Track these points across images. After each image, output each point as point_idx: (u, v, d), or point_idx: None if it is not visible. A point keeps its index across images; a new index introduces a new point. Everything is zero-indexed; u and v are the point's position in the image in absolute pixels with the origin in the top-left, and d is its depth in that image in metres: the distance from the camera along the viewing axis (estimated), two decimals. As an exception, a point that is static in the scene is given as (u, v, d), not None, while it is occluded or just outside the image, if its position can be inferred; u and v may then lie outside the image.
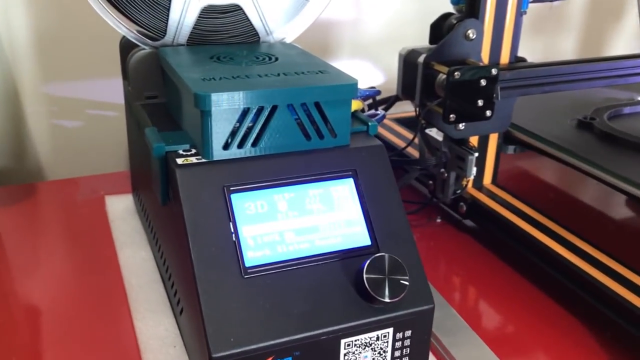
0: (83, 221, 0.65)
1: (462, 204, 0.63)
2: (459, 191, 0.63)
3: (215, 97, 0.39)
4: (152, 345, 0.46)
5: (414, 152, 0.71)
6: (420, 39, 0.94)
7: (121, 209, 0.65)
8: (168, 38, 0.52)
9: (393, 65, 0.94)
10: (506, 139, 0.67)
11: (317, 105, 0.43)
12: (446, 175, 0.62)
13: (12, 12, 0.73)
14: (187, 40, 0.52)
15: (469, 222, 0.65)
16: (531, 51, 0.75)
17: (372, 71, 0.94)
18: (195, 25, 0.52)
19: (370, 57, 0.95)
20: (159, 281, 0.53)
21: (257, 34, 0.54)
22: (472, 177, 0.60)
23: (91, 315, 0.51)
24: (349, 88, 0.43)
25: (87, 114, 0.81)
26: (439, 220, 0.67)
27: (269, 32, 0.54)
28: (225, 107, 0.40)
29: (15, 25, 0.74)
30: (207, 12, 0.52)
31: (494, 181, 0.65)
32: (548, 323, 0.51)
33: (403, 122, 0.81)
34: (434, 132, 0.66)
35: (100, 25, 0.75)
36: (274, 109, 0.41)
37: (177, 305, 0.46)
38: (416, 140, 0.64)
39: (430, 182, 0.66)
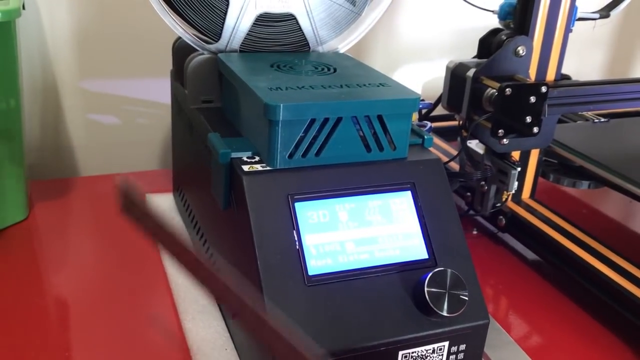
0: (123, 219, 0.65)
1: (501, 217, 0.63)
2: (498, 204, 0.63)
3: (284, 107, 0.40)
4: (204, 348, 0.46)
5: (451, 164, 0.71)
6: (453, 50, 0.95)
7: (162, 208, 0.65)
8: (222, 42, 0.52)
9: (426, 75, 0.96)
10: (580, 174, 0.66)
11: (380, 118, 0.43)
12: (486, 188, 0.63)
13: (56, 9, 0.74)
14: (240, 46, 0.53)
15: (505, 236, 0.65)
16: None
17: (401, 80, 0.94)
18: (249, 31, 0.53)
19: (402, 66, 0.95)
20: (206, 283, 0.54)
21: (307, 43, 0.55)
22: (513, 191, 0.61)
23: (136, 314, 0.51)
24: (412, 102, 0.44)
25: (123, 110, 0.81)
26: (475, 233, 0.67)
27: (320, 43, 0.55)
28: (293, 117, 0.40)
29: (58, 20, 0.74)
30: (262, 20, 0.53)
31: (532, 196, 0.66)
32: (588, 339, 0.52)
33: (435, 130, 0.82)
34: (473, 144, 0.66)
35: (141, 24, 0.77)
36: (338, 120, 0.42)
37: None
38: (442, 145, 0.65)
39: (468, 194, 0.66)
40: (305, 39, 0.55)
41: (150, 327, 0.50)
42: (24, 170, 0.62)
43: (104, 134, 0.81)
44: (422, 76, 0.96)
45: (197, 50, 0.52)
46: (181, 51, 0.55)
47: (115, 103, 0.81)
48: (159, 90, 0.81)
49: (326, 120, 0.42)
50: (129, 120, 0.82)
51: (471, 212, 0.66)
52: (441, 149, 0.75)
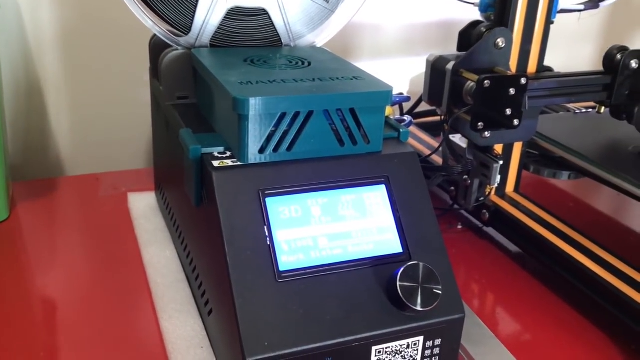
0: (105, 218, 0.65)
1: (484, 211, 0.63)
2: (481, 198, 0.63)
3: (253, 101, 0.39)
4: (180, 346, 0.46)
5: (435, 157, 0.71)
6: (440, 44, 0.95)
7: (144, 207, 0.65)
8: (192, 36, 0.51)
9: (413, 70, 0.95)
10: (560, 165, 0.66)
11: (352, 111, 0.43)
12: (469, 182, 0.62)
13: (37, 8, 0.73)
14: (210, 40, 0.52)
15: (490, 230, 0.65)
16: (549, 60, 0.74)
17: (388, 75, 0.94)
18: (220, 25, 0.52)
19: (387, 61, 0.95)
20: (185, 281, 0.53)
21: (280, 39, 0.54)
22: (495, 185, 0.60)
23: (115, 313, 0.51)
24: (384, 95, 0.43)
25: (107, 109, 0.81)
26: (459, 227, 0.67)
27: (292, 39, 0.54)
28: (263, 111, 0.40)
29: (40, 19, 0.74)
30: (233, 14, 0.52)
31: (517, 189, 0.65)
32: (571, 333, 0.51)
33: (422, 126, 0.81)
34: (457, 139, 0.66)
35: (124, 22, 0.76)
36: (309, 114, 0.42)
37: (205, 306, 0.46)
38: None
39: (452, 188, 0.66)
40: (278, 34, 0.54)
41: (129, 326, 0.50)
42: (4, 169, 0.62)
43: (87, 133, 0.81)
44: (409, 71, 0.95)
45: (169, 45, 0.52)
46: (157, 48, 0.54)
47: (99, 102, 0.80)
48: (143, 89, 0.81)
49: (297, 114, 0.41)
50: (112, 119, 0.81)
51: (455, 206, 0.66)
52: (425, 143, 0.75)
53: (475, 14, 0.63)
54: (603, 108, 0.61)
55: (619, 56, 0.59)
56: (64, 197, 0.70)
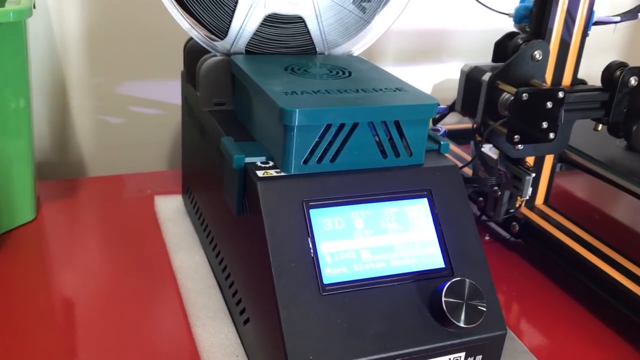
0: (132, 220, 0.65)
1: (514, 223, 0.63)
2: (512, 210, 0.62)
3: (300, 112, 0.39)
4: (214, 354, 0.46)
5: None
6: (463, 52, 0.94)
7: (171, 210, 0.65)
8: (228, 41, 0.51)
9: (435, 77, 0.95)
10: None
11: (397, 123, 0.43)
12: (499, 193, 0.62)
13: (65, 7, 0.73)
14: (246, 45, 0.52)
15: (518, 242, 0.64)
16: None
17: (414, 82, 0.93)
18: (256, 31, 0.52)
19: (412, 68, 0.94)
20: (216, 287, 0.53)
21: (314, 47, 0.54)
22: (527, 197, 0.60)
23: (146, 319, 0.50)
24: (429, 108, 0.43)
25: (131, 111, 0.81)
26: (487, 238, 0.66)
27: (327, 48, 0.54)
28: (309, 122, 0.40)
29: (67, 19, 0.74)
30: (270, 20, 0.52)
31: (546, 202, 0.65)
32: (604, 348, 0.51)
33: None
34: (486, 149, 0.65)
35: (150, 24, 0.76)
36: (354, 126, 0.41)
37: (240, 314, 0.46)
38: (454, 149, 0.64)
39: (480, 199, 0.65)
40: (313, 42, 0.54)
41: (160, 332, 0.49)
42: (32, 170, 0.62)
43: (112, 135, 0.81)
44: (432, 79, 0.95)
45: (204, 48, 0.51)
46: (193, 53, 0.54)
47: (124, 103, 0.80)
48: (168, 91, 0.81)
49: (342, 125, 0.41)
50: (137, 120, 0.81)
51: (484, 217, 0.65)
52: (452, 152, 0.74)
53: (500, 24, 0.63)
54: (600, 126, 0.60)
55: (617, 72, 0.58)
56: (89, 198, 0.70)
